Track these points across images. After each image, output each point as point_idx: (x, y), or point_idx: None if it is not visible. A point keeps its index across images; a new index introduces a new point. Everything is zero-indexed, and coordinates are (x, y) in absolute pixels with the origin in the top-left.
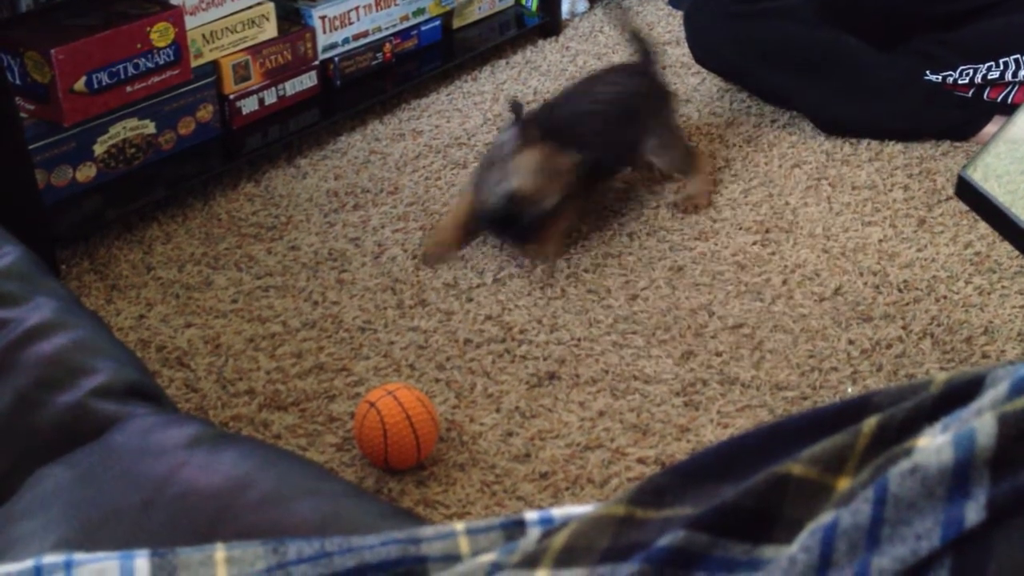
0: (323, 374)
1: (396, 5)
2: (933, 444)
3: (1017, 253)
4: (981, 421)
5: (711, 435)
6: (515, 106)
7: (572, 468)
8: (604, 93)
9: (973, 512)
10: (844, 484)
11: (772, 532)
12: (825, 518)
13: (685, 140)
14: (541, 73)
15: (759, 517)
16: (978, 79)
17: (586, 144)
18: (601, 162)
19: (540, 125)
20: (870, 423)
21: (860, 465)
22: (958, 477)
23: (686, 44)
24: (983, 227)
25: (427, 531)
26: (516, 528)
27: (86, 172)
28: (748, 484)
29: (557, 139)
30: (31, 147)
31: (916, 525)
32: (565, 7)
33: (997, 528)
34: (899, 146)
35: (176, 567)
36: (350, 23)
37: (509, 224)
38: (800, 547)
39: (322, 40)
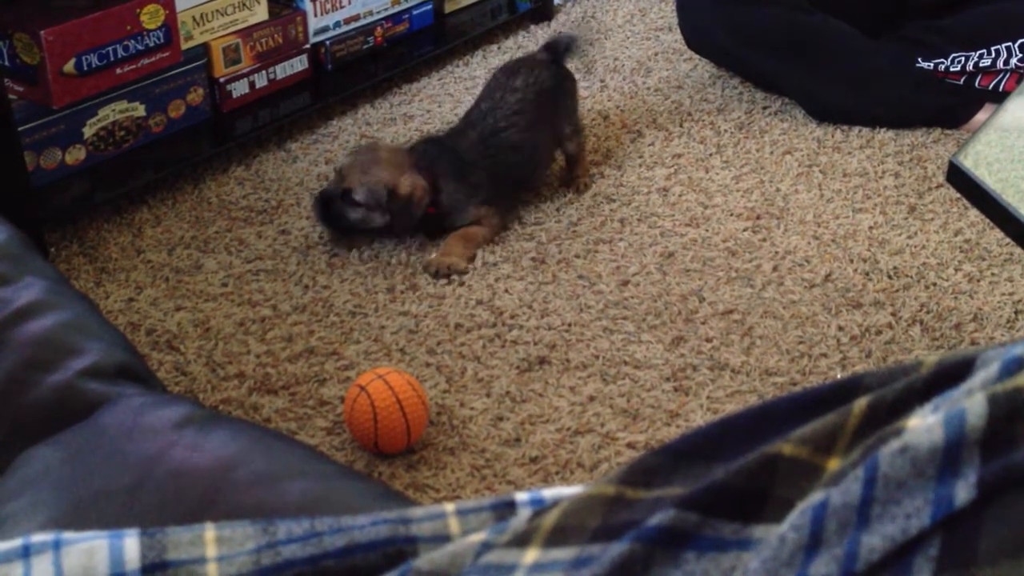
0: (313, 358)
1: None
2: (924, 424)
3: (1007, 240)
4: (971, 401)
5: (701, 420)
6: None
7: (562, 452)
8: (525, 90)
9: (963, 491)
10: (834, 464)
11: (762, 512)
12: (815, 497)
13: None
14: None
15: (749, 496)
16: (969, 66)
17: (519, 145)
18: (532, 163)
19: (454, 147)
20: (861, 404)
21: (850, 445)
22: (948, 456)
23: (678, 30)
24: (973, 214)
25: (417, 511)
26: (506, 509)
27: (75, 155)
28: (738, 464)
29: (483, 151)
30: (20, 129)
31: (906, 504)
32: None
33: (987, 507)
34: (890, 133)
35: (165, 546)
36: (341, 7)
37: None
38: (790, 526)
39: (313, 24)
